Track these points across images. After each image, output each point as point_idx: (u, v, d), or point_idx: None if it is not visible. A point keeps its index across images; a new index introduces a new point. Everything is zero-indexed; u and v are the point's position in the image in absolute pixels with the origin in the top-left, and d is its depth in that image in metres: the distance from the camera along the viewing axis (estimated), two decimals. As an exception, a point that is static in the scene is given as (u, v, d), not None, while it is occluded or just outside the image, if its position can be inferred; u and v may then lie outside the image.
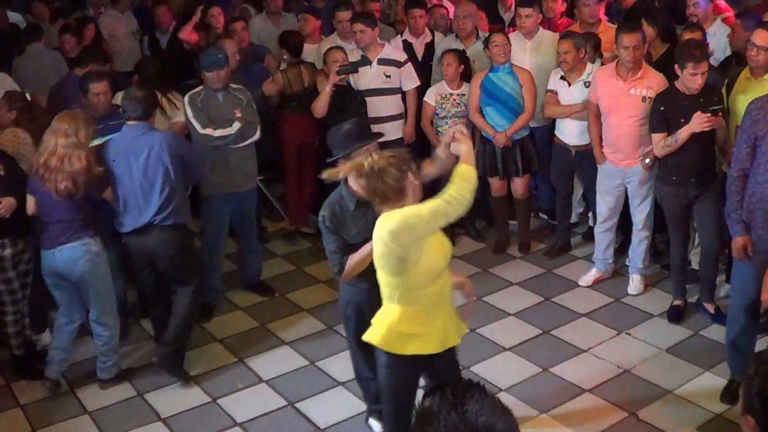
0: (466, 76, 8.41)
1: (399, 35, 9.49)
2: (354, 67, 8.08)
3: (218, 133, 7.23)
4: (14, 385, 6.76)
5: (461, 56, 8.37)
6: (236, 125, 7.31)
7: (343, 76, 8.01)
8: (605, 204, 7.63)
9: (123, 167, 6.45)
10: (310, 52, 9.07)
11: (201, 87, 7.50)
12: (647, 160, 7.13)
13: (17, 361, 6.85)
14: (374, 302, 4.79)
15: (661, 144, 6.69)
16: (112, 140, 6.58)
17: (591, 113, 7.49)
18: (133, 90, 6.81)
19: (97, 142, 6.57)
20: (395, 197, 4.42)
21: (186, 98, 7.48)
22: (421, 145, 8.53)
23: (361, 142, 5.23)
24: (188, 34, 9.62)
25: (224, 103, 7.43)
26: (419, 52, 9.19)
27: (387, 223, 4.39)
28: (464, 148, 4.60)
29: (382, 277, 4.57)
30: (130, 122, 6.52)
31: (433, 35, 9.35)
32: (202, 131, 7.22)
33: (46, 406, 6.49)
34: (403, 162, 4.47)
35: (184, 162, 6.58)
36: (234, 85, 7.58)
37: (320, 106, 8.06)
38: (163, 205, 6.49)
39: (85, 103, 7.13)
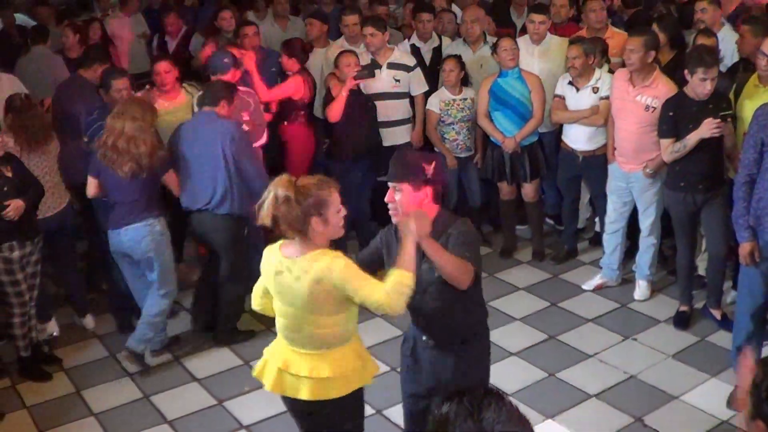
0: (463, 80, 8.45)
1: (407, 39, 9.48)
2: (371, 72, 8.05)
3: None
4: (20, 387, 6.77)
5: (461, 61, 8.40)
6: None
7: (359, 81, 8.00)
8: (612, 205, 7.63)
9: (184, 151, 6.82)
10: (318, 56, 9.06)
11: None
12: (648, 169, 7.14)
13: (24, 362, 6.86)
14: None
15: (670, 149, 6.67)
16: (182, 124, 7.00)
17: (609, 114, 7.50)
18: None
19: None
20: (296, 232, 4.21)
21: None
22: (429, 150, 8.54)
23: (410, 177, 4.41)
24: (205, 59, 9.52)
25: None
26: (427, 56, 9.17)
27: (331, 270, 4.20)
28: (408, 248, 4.18)
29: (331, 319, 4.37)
30: (203, 109, 6.94)
31: (440, 40, 9.33)
32: None
33: (52, 408, 6.50)
34: (314, 205, 4.18)
35: (239, 159, 6.75)
36: (242, 88, 7.59)
37: (336, 110, 8.00)
38: (215, 192, 6.79)
39: (107, 99, 7.13)
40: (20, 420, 6.37)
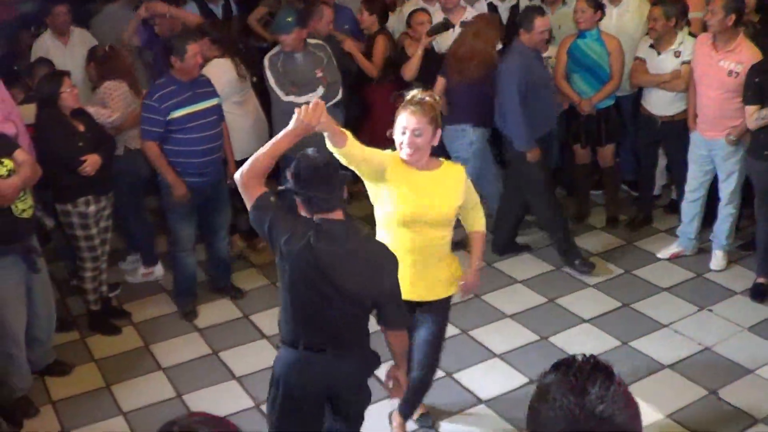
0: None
1: (484, -1, 9.33)
2: (445, 27, 7.93)
3: (303, 99, 7.02)
4: (89, 340, 6.86)
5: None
6: (320, 90, 7.25)
7: (433, 36, 7.89)
8: (692, 173, 7.42)
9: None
10: (392, 15, 8.94)
11: (279, 48, 7.42)
12: (731, 136, 6.95)
13: (93, 316, 6.95)
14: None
15: (755, 116, 6.49)
16: None
17: (691, 80, 7.30)
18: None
19: (178, 113, 6.60)
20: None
21: (266, 61, 7.42)
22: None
23: None
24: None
25: (304, 63, 7.35)
26: (504, 15, 9.02)
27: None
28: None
29: None
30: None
31: (517, -1, 9.16)
32: (285, 98, 7.18)
33: (120, 361, 6.56)
34: None
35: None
36: (313, 41, 7.49)
37: (412, 69, 7.92)
38: (503, 116, 7.40)
39: (179, 66, 6.61)
40: (89, 373, 6.44)
